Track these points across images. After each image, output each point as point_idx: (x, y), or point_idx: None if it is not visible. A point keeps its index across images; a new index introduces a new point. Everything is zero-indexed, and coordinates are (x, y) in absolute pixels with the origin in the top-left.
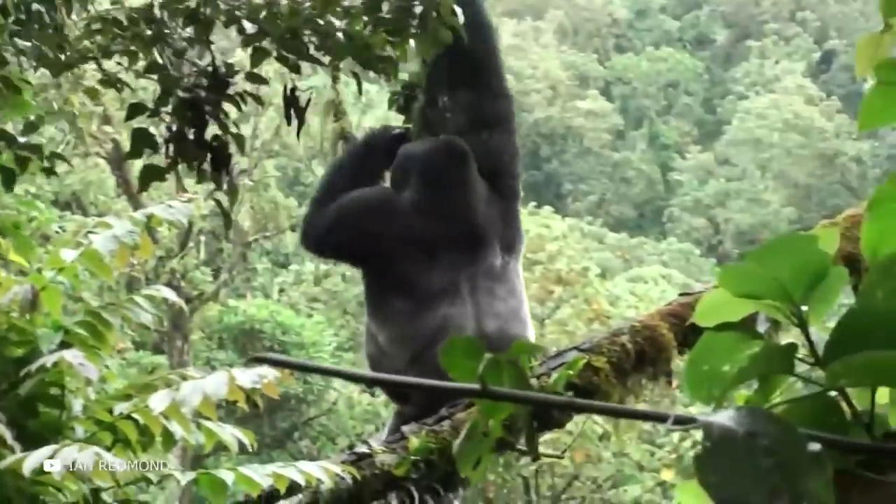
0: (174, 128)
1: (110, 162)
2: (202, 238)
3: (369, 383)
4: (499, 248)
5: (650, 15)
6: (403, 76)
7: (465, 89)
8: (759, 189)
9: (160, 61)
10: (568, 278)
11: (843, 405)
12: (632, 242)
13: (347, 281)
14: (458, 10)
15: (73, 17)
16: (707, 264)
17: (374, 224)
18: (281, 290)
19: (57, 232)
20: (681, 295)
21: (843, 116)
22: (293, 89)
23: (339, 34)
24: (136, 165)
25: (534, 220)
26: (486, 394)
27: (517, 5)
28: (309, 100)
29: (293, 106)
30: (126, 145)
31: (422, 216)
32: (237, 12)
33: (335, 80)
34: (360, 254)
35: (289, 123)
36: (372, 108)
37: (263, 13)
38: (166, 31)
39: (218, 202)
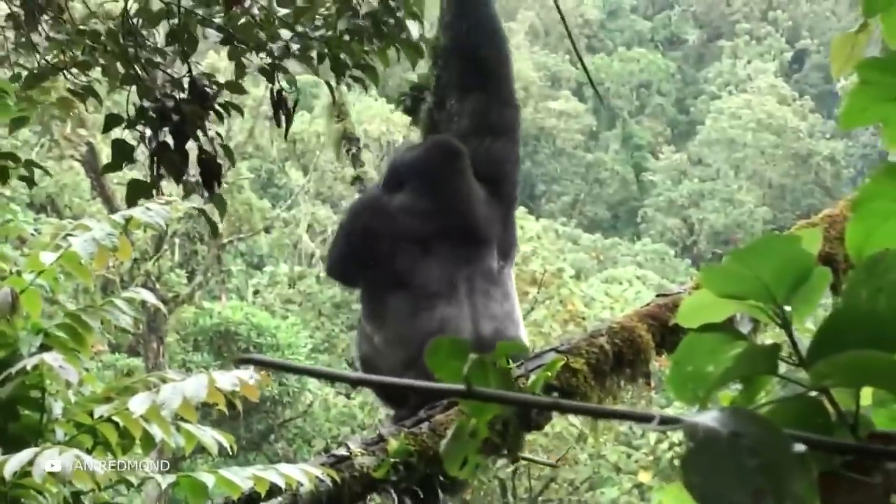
0: (151, 139)
1: (85, 165)
2: (177, 240)
3: (354, 384)
4: (496, 252)
5: (621, 15)
6: (412, 78)
7: (475, 95)
8: (733, 189)
9: (135, 73)
10: (543, 279)
11: (828, 406)
12: (606, 243)
13: (322, 283)
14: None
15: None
16: (681, 265)
17: (364, 222)
18: (255, 292)
19: (32, 235)
20: (658, 296)
21: (816, 116)
22: (280, 90)
23: (316, 42)
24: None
25: None
26: (471, 395)
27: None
28: (297, 101)
29: (281, 107)
30: (101, 149)
31: (417, 214)
32: (214, 19)
33: (338, 82)
34: (359, 255)
35: (278, 125)
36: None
37: (241, 21)
38: (142, 43)
39: (203, 212)
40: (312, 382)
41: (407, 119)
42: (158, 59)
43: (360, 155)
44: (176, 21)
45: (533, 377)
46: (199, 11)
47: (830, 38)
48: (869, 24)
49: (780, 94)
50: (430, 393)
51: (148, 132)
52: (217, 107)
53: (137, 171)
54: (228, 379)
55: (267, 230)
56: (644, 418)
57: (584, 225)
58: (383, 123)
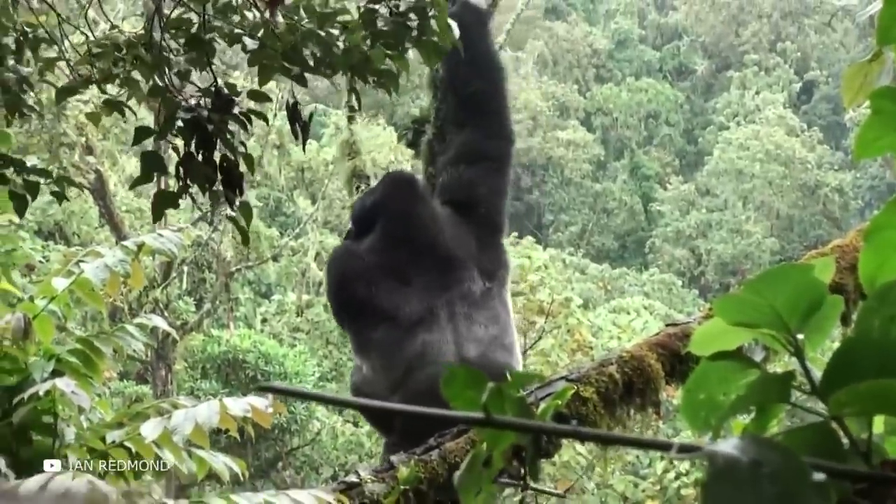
0: (181, 151)
1: (93, 192)
2: (185, 268)
3: (371, 411)
4: (477, 273)
5: (630, 45)
6: (415, 111)
7: (467, 127)
8: (741, 220)
9: (161, 84)
10: (550, 309)
11: (840, 434)
12: (614, 273)
13: (329, 311)
14: (454, 25)
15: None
16: (689, 295)
17: (338, 271)
18: (263, 320)
19: (41, 262)
20: (667, 325)
21: (824, 147)
22: (295, 103)
23: (338, 48)
24: (120, 195)
25: (515, 251)
26: (489, 422)
27: (497, 36)
28: (311, 114)
29: (297, 119)
30: (108, 176)
31: (385, 250)
32: (237, 30)
33: (351, 120)
34: (342, 301)
35: (296, 137)
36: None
37: (261, 31)
38: (166, 54)
39: (233, 219)
40: (320, 410)
41: None
42: (187, 67)
43: None
44: (194, 29)
45: (543, 406)
46: (220, 21)
47: (839, 69)
48: (881, 53)
49: (788, 126)
50: (449, 420)
51: (177, 143)
52: (240, 115)
53: (147, 190)
54: (240, 405)
55: (275, 258)
56: (663, 446)
57: (591, 255)
58: (391, 153)
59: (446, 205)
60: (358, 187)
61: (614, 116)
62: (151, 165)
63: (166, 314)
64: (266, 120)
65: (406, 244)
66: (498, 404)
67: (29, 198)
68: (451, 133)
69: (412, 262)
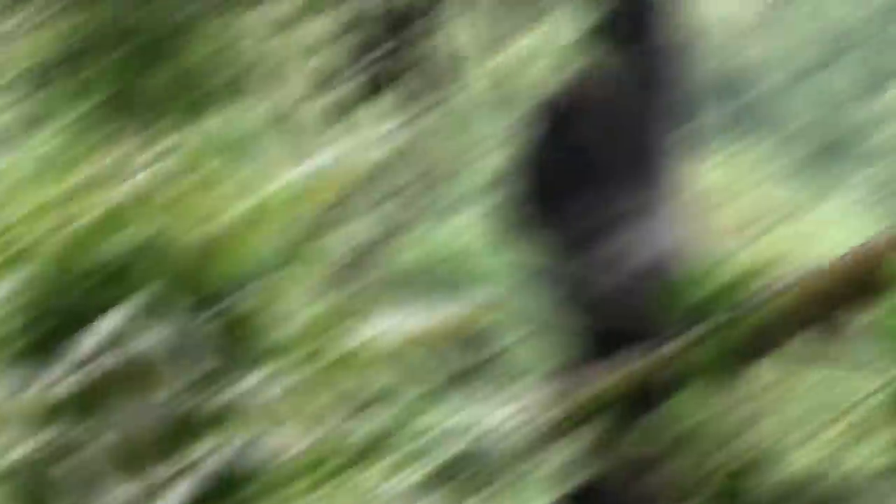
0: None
1: None
2: None
3: None
4: (668, 169)
5: None
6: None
7: (630, 43)
8: None
9: None
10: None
11: None
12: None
13: None
14: None
15: None
16: None
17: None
18: None
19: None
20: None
21: None
22: None
23: None
24: None
25: (725, 154)
26: None
27: None
28: None
29: None
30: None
31: (575, 153)
32: None
33: None
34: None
35: None
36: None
37: None
38: None
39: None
40: None
41: None
42: None
43: None
44: None
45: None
46: None
47: None
48: None
49: None
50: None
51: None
52: None
53: None
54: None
55: None
56: None
57: (803, 159)
58: None
59: (630, 101)
60: None
61: None
62: None
63: None
64: None
65: (595, 143)
66: None
67: None
68: (619, 47)
69: (604, 162)
